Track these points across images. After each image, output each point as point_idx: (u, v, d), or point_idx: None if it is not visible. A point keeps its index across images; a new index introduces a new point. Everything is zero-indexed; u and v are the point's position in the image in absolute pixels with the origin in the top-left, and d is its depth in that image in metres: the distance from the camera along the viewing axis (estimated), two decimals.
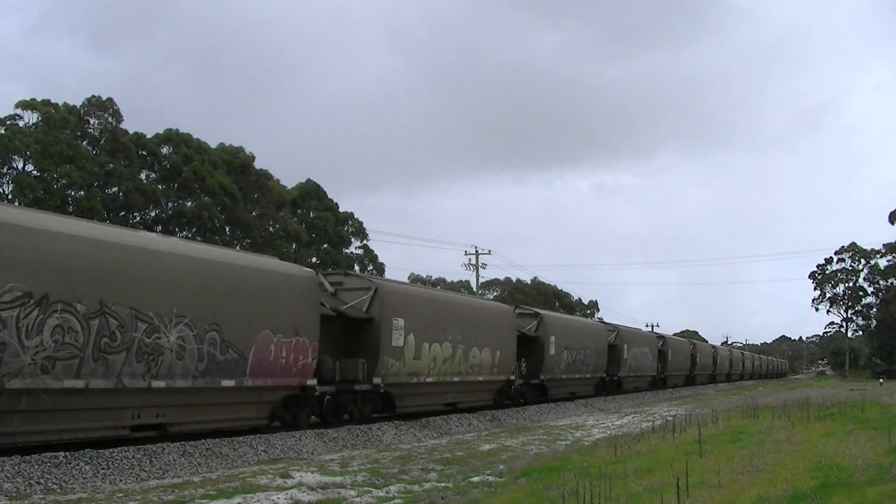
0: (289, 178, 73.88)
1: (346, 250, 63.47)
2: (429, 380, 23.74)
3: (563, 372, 33.82)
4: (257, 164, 56.66)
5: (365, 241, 65.57)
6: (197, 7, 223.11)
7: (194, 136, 52.15)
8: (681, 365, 56.02)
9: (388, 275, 63.97)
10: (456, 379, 25.31)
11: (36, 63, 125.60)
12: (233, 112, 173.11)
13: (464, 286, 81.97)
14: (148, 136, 50.76)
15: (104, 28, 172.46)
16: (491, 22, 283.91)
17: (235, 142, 70.49)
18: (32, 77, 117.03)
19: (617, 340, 42.01)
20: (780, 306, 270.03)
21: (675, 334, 79.52)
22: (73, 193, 44.20)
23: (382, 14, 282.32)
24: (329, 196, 63.29)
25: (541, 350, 31.90)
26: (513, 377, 29.47)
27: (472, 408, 27.10)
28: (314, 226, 61.15)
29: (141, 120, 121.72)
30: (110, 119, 47.41)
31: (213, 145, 54.30)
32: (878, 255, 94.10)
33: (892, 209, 78.39)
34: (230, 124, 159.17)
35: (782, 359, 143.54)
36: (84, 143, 46.59)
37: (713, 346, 75.19)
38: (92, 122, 47.33)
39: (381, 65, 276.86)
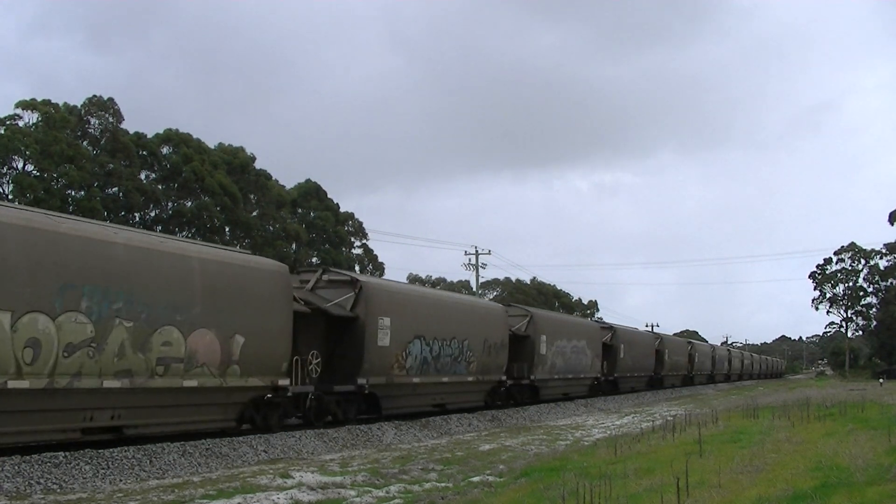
0: (287, 178, 73.71)
1: (347, 250, 63.52)
2: (17, 384, 12.58)
3: (413, 373, 22.93)
4: (256, 164, 56.72)
5: (364, 241, 65.70)
6: (195, 5, 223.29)
7: (194, 136, 52.22)
8: (640, 364, 46.26)
9: (388, 275, 64.04)
10: (113, 384, 14.14)
11: (34, 62, 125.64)
12: (231, 111, 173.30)
13: (464, 286, 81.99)
14: (148, 136, 50.80)
15: (102, 27, 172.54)
16: (490, 21, 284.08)
17: (234, 141, 70.79)
18: (30, 76, 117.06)
19: (530, 330, 31.12)
20: (779, 306, 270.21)
21: (675, 334, 77.79)
22: (73, 193, 44.23)
23: (381, 13, 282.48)
24: (329, 196, 63.44)
25: (360, 337, 20.70)
26: (284, 382, 18.21)
27: (166, 435, 15.91)
28: (314, 226, 61.18)
29: (139, 119, 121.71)
30: (111, 119, 47.44)
31: (212, 145, 54.35)
32: (878, 256, 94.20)
33: (892, 209, 78.48)
34: (228, 123, 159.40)
35: (781, 358, 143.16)
36: (84, 143, 46.61)
37: (689, 342, 64.26)
38: (92, 121, 47.36)
39: (380, 63, 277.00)
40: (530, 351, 31.06)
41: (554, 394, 34.38)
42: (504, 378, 29.07)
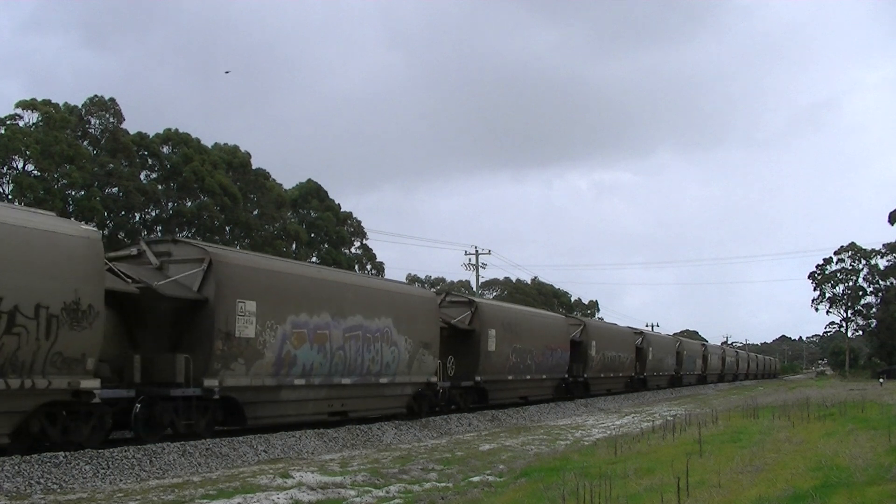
0: (284, 176, 73.89)
1: (347, 251, 63.55)
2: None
3: None
4: (254, 163, 56.67)
5: (364, 241, 65.73)
6: (192, 4, 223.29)
7: (192, 136, 52.25)
8: (544, 362, 31.27)
9: (387, 275, 63.99)
10: None
11: (30, 60, 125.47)
12: (228, 109, 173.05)
13: (464, 286, 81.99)
14: (149, 137, 50.83)
15: (99, 25, 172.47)
16: (488, 18, 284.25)
17: (231, 140, 70.62)
18: (27, 74, 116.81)
19: (209, 290, 16.31)
20: (779, 306, 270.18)
21: (675, 334, 74.92)
22: (73, 193, 44.25)
23: (379, 10, 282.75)
24: (330, 196, 63.53)
25: None
26: None
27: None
28: (315, 226, 61.23)
29: (137, 118, 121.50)
30: (111, 119, 47.48)
31: (210, 144, 54.34)
32: (877, 255, 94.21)
33: (892, 209, 78.32)
34: (226, 122, 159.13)
35: (781, 358, 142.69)
36: (85, 143, 46.65)
37: (639, 333, 47.76)
38: (93, 121, 47.41)
39: (377, 61, 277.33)
40: (208, 333, 16.10)
41: (294, 414, 18.73)
42: (93, 387, 13.95)
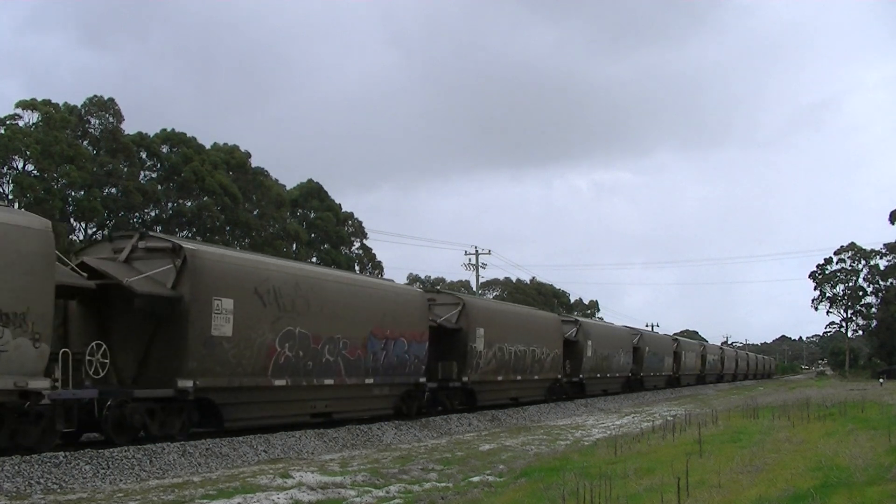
0: (284, 176, 73.74)
1: (347, 250, 63.56)
2: None
3: None
4: (253, 162, 56.62)
5: (363, 241, 65.76)
6: (192, 3, 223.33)
7: (189, 135, 52.23)
8: (356, 361, 20.18)
9: (387, 275, 63.93)
10: None
11: (30, 60, 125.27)
12: (227, 109, 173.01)
13: (464, 286, 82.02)
14: (149, 136, 50.84)
15: (98, 24, 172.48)
16: (488, 18, 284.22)
17: (230, 139, 70.58)
18: (27, 74, 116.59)
19: None
20: (779, 306, 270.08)
21: (675, 334, 74.06)
22: (73, 193, 44.26)
23: (379, 10, 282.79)
24: (331, 196, 63.57)
25: None
26: None
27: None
28: (315, 226, 61.24)
29: (136, 117, 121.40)
30: (111, 119, 47.49)
31: (209, 144, 54.30)
32: (878, 255, 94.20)
33: (893, 209, 78.35)
34: (224, 121, 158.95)
35: (780, 358, 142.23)
36: (85, 143, 46.67)
37: (572, 321, 37.05)
38: (92, 121, 47.43)
39: (376, 60, 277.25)
40: None
41: None
42: None
